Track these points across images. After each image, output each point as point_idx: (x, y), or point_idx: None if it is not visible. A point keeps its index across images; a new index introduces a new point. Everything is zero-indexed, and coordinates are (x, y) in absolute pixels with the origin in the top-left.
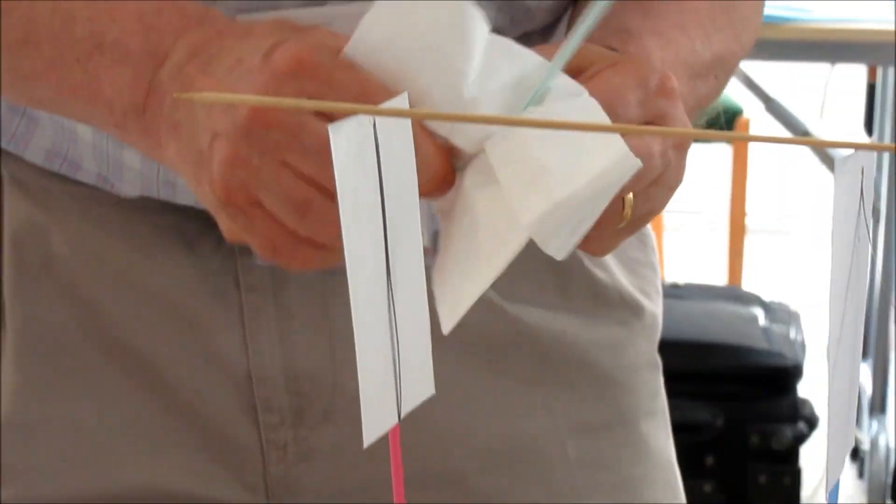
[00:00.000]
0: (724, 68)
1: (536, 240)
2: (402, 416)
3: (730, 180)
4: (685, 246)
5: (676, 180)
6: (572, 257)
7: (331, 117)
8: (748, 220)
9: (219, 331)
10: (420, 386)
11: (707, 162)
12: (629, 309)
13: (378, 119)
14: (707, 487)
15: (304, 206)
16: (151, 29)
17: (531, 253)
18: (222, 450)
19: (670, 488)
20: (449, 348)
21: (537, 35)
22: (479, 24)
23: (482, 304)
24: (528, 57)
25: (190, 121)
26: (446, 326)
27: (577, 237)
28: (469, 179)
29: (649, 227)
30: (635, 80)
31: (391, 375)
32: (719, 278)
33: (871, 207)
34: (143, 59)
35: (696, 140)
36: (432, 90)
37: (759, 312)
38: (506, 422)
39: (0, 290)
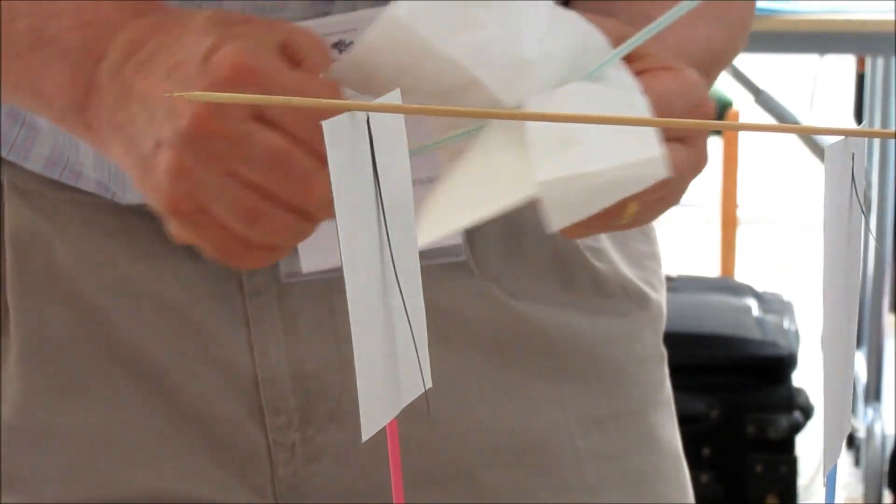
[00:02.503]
0: (718, 67)
1: (542, 202)
2: (400, 409)
3: (720, 172)
4: (677, 238)
5: (676, 201)
6: (574, 251)
7: (277, 124)
8: (739, 212)
9: (224, 334)
10: (418, 380)
11: None
12: (633, 300)
13: (372, 114)
14: (704, 478)
15: (253, 215)
16: (88, 25)
17: (534, 250)
18: (230, 453)
19: (678, 479)
20: (455, 345)
21: None
22: None
23: (487, 300)
24: (592, 35)
25: (131, 124)
26: (421, 241)
27: (576, 217)
28: (495, 129)
29: None
30: (685, 92)
31: (389, 370)
32: (712, 270)
33: (862, 194)
34: (80, 56)
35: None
36: (491, 45)
37: (752, 303)
38: (514, 417)
39: (3, 298)
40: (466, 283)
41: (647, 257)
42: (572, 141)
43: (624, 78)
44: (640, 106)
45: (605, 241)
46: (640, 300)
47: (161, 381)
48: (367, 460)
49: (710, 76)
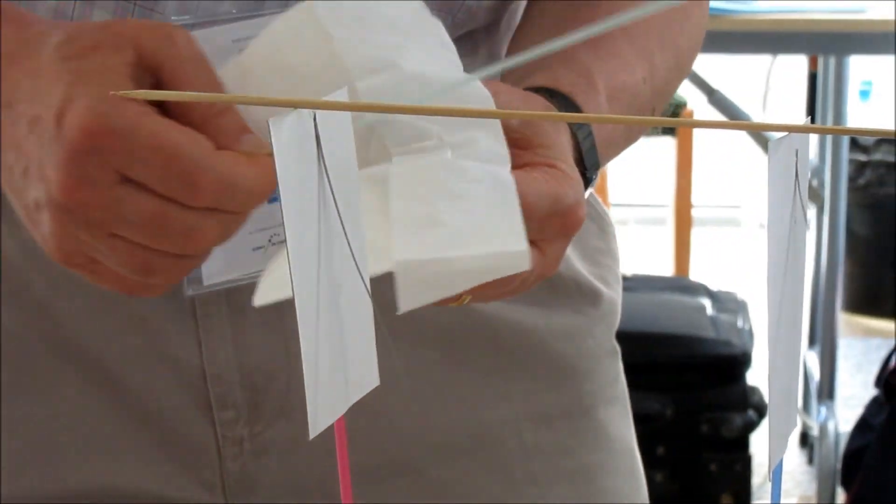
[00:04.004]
0: (662, 101)
1: (396, 280)
2: (348, 406)
3: (675, 172)
4: (632, 238)
5: (515, 294)
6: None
7: (145, 186)
8: (694, 211)
9: (172, 330)
10: (364, 377)
11: (652, 154)
12: (586, 297)
13: (319, 113)
14: (659, 477)
15: (146, 268)
16: None
17: None
18: (179, 448)
19: (630, 475)
20: (405, 340)
21: (481, 31)
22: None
23: None
24: (474, 83)
25: (9, 171)
26: (261, 299)
27: (428, 300)
28: (366, 191)
29: (610, 215)
30: (556, 198)
31: (336, 366)
32: (666, 269)
33: (806, 189)
34: None
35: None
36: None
37: (706, 302)
38: (463, 412)
39: None
40: None
41: (602, 254)
42: (437, 223)
43: (499, 151)
44: (506, 187)
45: None
46: (592, 296)
47: (109, 375)
48: (316, 455)
49: (656, 112)
